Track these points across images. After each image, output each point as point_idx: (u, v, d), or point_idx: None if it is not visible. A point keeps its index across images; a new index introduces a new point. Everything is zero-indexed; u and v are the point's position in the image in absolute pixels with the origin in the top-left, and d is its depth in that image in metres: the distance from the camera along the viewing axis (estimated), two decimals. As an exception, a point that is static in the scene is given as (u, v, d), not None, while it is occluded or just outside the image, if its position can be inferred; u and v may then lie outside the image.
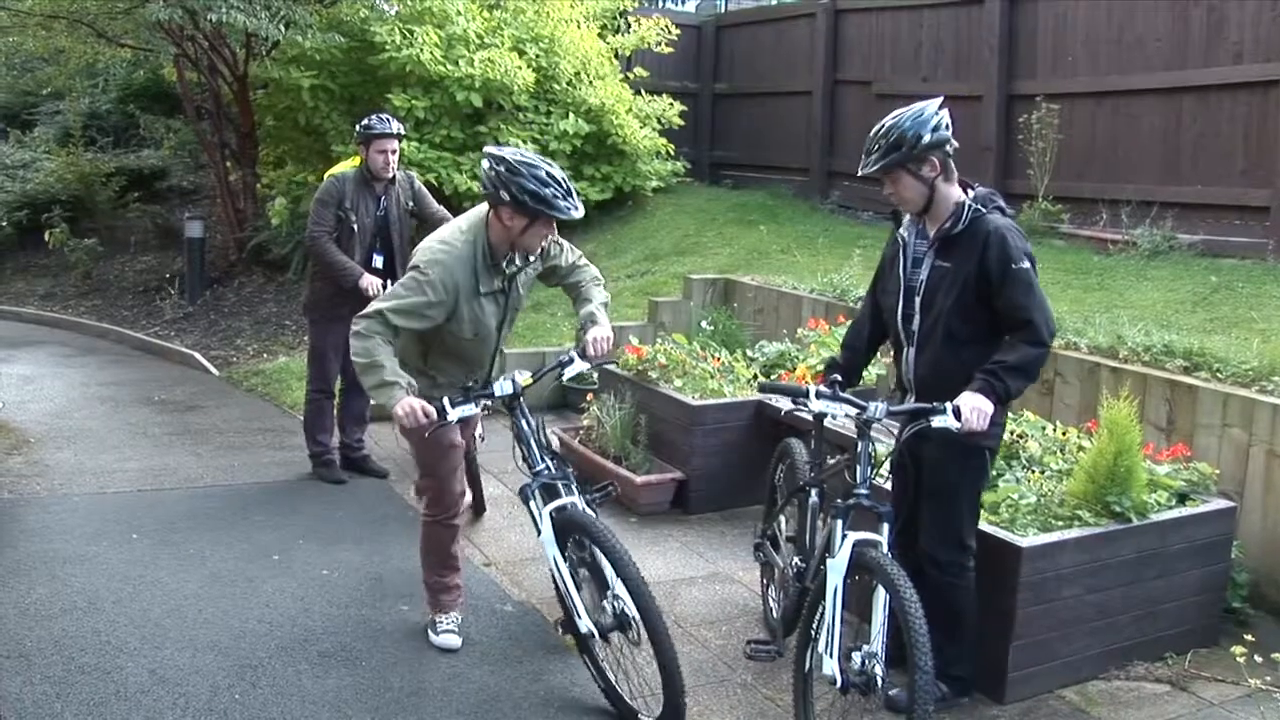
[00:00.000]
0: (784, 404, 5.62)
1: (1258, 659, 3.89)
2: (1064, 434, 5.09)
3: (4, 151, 15.88)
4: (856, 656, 3.46)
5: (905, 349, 3.94)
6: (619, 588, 3.88)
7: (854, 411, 3.72)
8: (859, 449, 3.74)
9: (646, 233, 11.11)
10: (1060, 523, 4.26)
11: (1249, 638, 4.32)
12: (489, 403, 4.15)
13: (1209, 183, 8.18)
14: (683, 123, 12.28)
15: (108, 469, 6.63)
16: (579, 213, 3.98)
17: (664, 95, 12.17)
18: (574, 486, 4.16)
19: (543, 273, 4.46)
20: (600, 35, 11.82)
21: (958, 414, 3.54)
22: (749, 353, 7.09)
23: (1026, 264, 3.67)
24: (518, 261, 4.22)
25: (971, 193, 3.81)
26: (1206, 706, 4.15)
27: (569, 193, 3.99)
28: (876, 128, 3.77)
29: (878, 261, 4.16)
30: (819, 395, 3.75)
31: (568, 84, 11.11)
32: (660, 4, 16.49)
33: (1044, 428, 5.15)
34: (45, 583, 4.88)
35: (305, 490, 6.38)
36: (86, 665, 4.13)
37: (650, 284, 9.65)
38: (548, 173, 3.95)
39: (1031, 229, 8.95)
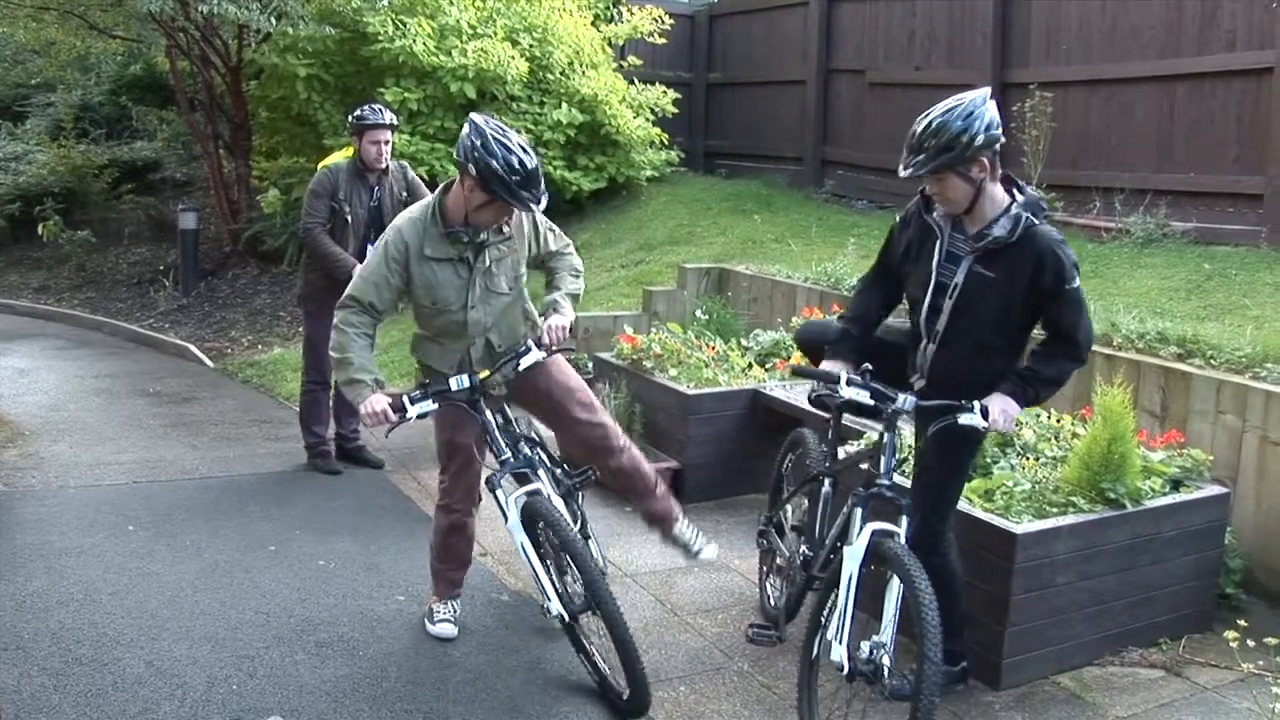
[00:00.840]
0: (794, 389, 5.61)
1: (1250, 644, 3.90)
2: (1058, 421, 5.10)
3: (-4, 144, 15.86)
4: (865, 646, 3.45)
5: (924, 343, 3.81)
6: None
7: (883, 401, 3.68)
8: (884, 439, 3.70)
9: (641, 222, 11.10)
10: (1055, 509, 4.27)
11: (1242, 623, 4.32)
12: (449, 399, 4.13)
13: (1202, 170, 8.18)
14: (676, 111, 12.26)
15: (103, 461, 6.63)
16: (538, 206, 4.01)
17: (657, 85, 12.15)
18: (543, 472, 4.29)
19: (531, 258, 4.41)
20: (593, 24, 11.81)
21: (985, 414, 3.55)
22: (743, 342, 7.10)
23: (1078, 282, 3.62)
24: (483, 235, 4.12)
25: (1021, 196, 3.66)
26: (1200, 691, 4.17)
27: (531, 184, 3.91)
28: (922, 124, 3.51)
29: (887, 235, 3.98)
30: (850, 383, 3.66)
31: (561, 73, 11.09)
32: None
33: (1038, 415, 5.16)
34: (42, 575, 4.88)
35: (301, 481, 6.38)
36: (84, 657, 4.14)
37: (644, 273, 9.65)
38: (520, 161, 3.87)
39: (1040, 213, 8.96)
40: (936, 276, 3.70)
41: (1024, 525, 4.11)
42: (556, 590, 4.05)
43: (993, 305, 3.65)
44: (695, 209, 11.16)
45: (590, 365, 7.45)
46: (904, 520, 3.61)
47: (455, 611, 4.52)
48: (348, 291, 4.17)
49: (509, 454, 4.19)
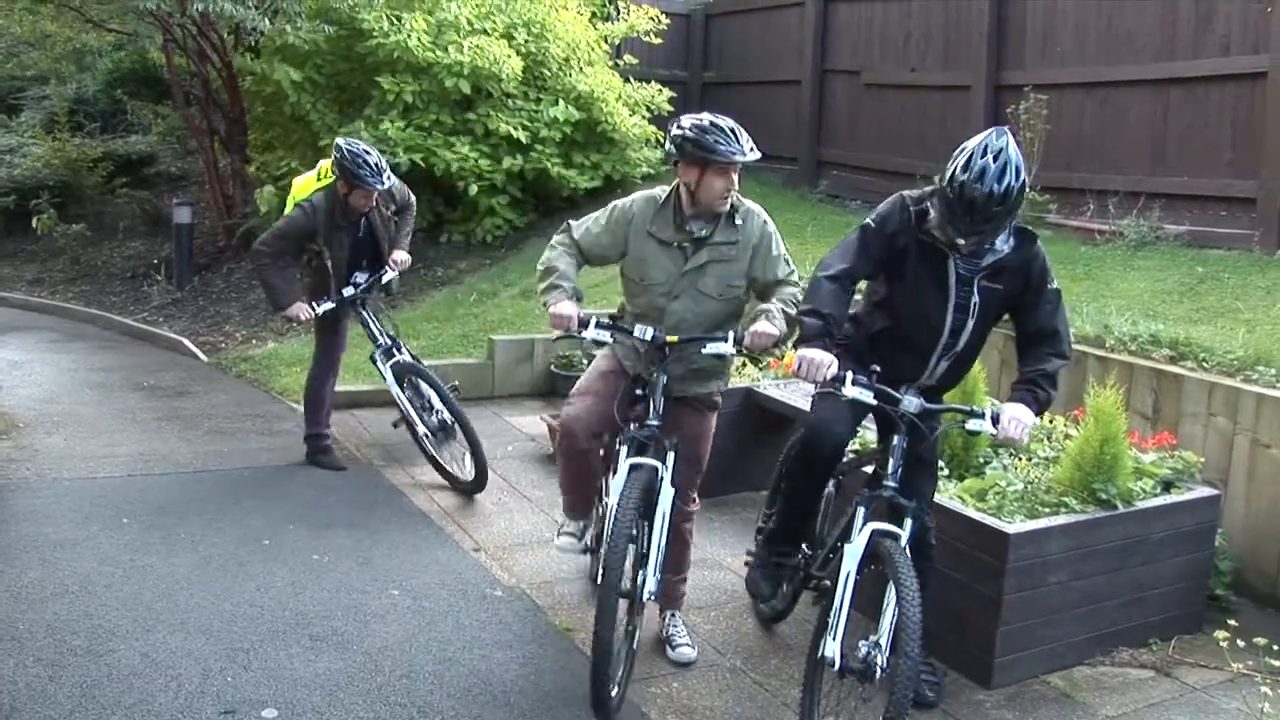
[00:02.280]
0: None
1: (1240, 644, 3.93)
2: (1051, 422, 5.13)
3: (-10, 136, 15.82)
4: (862, 645, 3.48)
5: (934, 358, 3.81)
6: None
7: (888, 403, 3.68)
8: (892, 442, 3.71)
9: (636, 221, 11.09)
10: (1047, 509, 4.30)
11: (1232, 623, 4.36)
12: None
13: (1196, 174, 8.22)
14: (672, 110, 12.27)
15: (97, 454, 6.63)
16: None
17: (653, 83, 12.16)
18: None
19: (753, 280, 4.20)
20: (590, 22, 11.81)
21: (996, 421, 3.56)
22: (738, 341, 7.11)
23: (1056, 282, 3.76)
24: (704, 229, 4.09)
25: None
26: (1190, 691, 4.20)
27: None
28: (981, 190, 3.37)
29: (864, 236, 3.79)
30: (854, 383, 3.61)
31: (558, 70, 11.09)
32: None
33: (1031, 416, 5.18)
34: (36, 567, 4.89)
35: (295, 475, 6.39)
36: (79, 648, 4.15)
37: (639, 272, 9.65)
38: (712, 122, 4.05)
39: (1020, 219, 9.00)
40: (955, 298, 3.69)
41: (1016, 525, 4.14)
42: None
43: (997, 315, 3.80)
44: (690, 208, 11.16)
45: (584, 363, 7.46)
46: (908, 523, 3.63)
47: (579, 530, 4.41)
48: (570, 222, 4.29)
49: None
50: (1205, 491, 4.65)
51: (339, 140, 6.04)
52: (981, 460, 4.78)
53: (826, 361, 3.55)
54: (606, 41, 11.87)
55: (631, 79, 12.04)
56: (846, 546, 3.62)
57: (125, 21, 12.09)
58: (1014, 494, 4.40)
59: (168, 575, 4.87)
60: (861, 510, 3.70)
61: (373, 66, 10.48)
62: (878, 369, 3.70)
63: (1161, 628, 4.53)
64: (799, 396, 6.01)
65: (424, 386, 6.22)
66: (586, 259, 4.25)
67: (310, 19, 10.34)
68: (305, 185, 6.27)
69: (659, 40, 12.45)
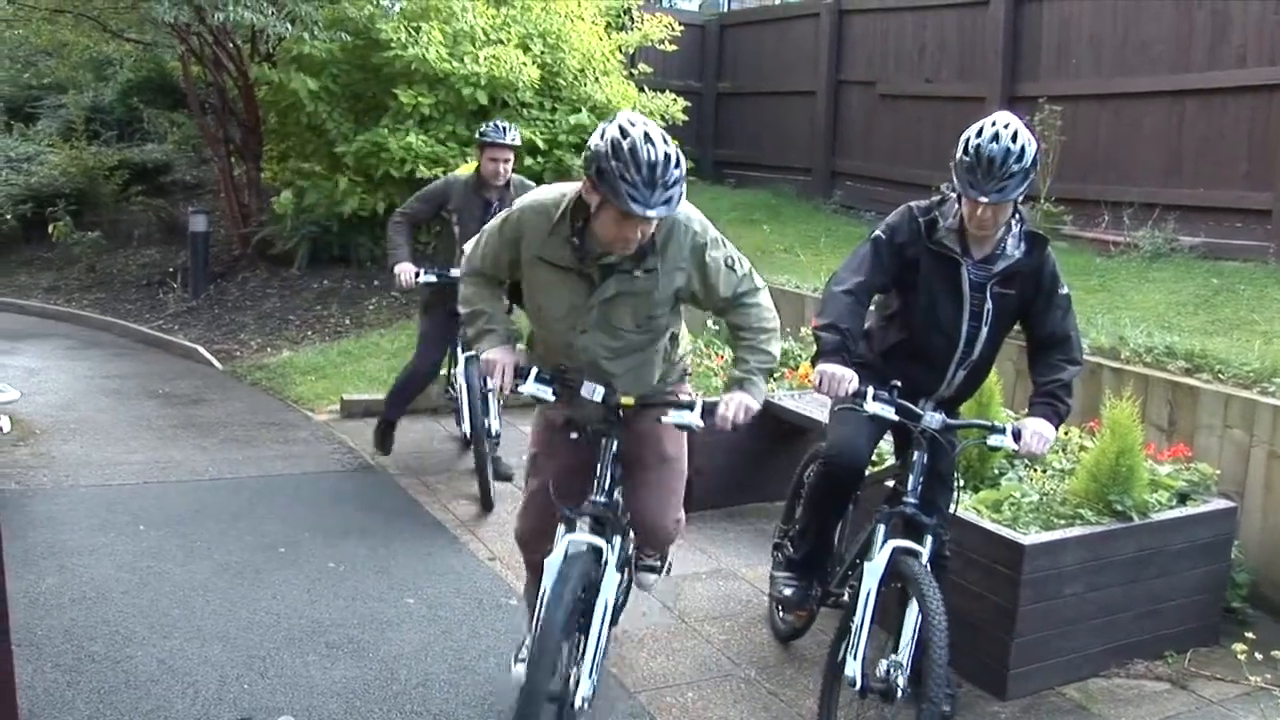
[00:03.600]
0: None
1: (1258, 656, 3.93)
2: (1066, 433, 5.12)
3: (7, 144, 15.88)
4: (883, 664, 3.47)
5: (951, 369, 3.79)
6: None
7: (910, 419, 3.65)
8: (913, 458, 3.68)
9: (649, 231, 11.11)
10: (1062, 521, 4.30)
11: (1249, 636, 4.37)
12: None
13: (1211, 185, 8.21)
14: (686, 119, 12.30)
15: (114, 461, 6.66)
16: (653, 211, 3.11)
17: (667, 93, 12.18)
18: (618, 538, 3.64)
19: (701, 302, 3.61)
20: (605, 32, 11.84)
21: (1017, 436, 3.54)
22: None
23: (1067, 287, 3.77)
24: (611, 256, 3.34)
25: (1018, 214, 3.69)
26: (1206, 704, 4.19)
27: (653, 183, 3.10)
28: (998, 147, 3.44)
29: (875, 248, 3.75)
30: (876, 398, 3.57)
31: (573, 80, 11.13)
32: (667, 2, 16.51)
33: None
34: (54, 573, 4.91)
35: (310, 484, 6.41)
36: (96, 654, 4.17)
37: (653, 282, 9.67)
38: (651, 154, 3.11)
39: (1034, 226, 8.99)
40: (970, 305, 3.69)
41: (1032, 536, 4.14)
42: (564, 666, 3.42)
43: (1010, 322, 3.80)
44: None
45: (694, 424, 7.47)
46: (928, 540, 3.62)
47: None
48: (465, 250, 3.74)
49: (604, 496, 3.55)
50: (1221, 504, 4.64)
51: None
52: (997, 471, 4.78)
53: (848, 376, 3.51)
54: (621, 51, 11.90)
55: (646, 89, 12.07)
56: (867, 564, 3.60)
57: (143, 31, 12.17)
58: (1029, 505, 4.40)
59: (184, 582, 4.90)
60: (881, 528, 3.67)
61: (389, 77, 10.52)
62: (898, 384, 3.65)
63: (1177, 640, 4.51)
64: (815, 407, 6.01)
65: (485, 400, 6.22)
66: (507, 280, 3.67)
67: (327, 28, 10.39)
68: (464, 168, 6.76)
69: (673, 47, 12.46)
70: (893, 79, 11.42)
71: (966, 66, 10.50)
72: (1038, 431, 3.53)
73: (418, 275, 6.18)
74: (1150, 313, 6.69)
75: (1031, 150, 3.45)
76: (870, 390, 3.56)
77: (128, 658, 4.16)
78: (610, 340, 3.49)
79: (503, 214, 3.60)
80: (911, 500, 3.65)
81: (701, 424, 3.49)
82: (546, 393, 3.46)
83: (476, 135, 6.37)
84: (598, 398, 3.47)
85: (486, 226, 3.67)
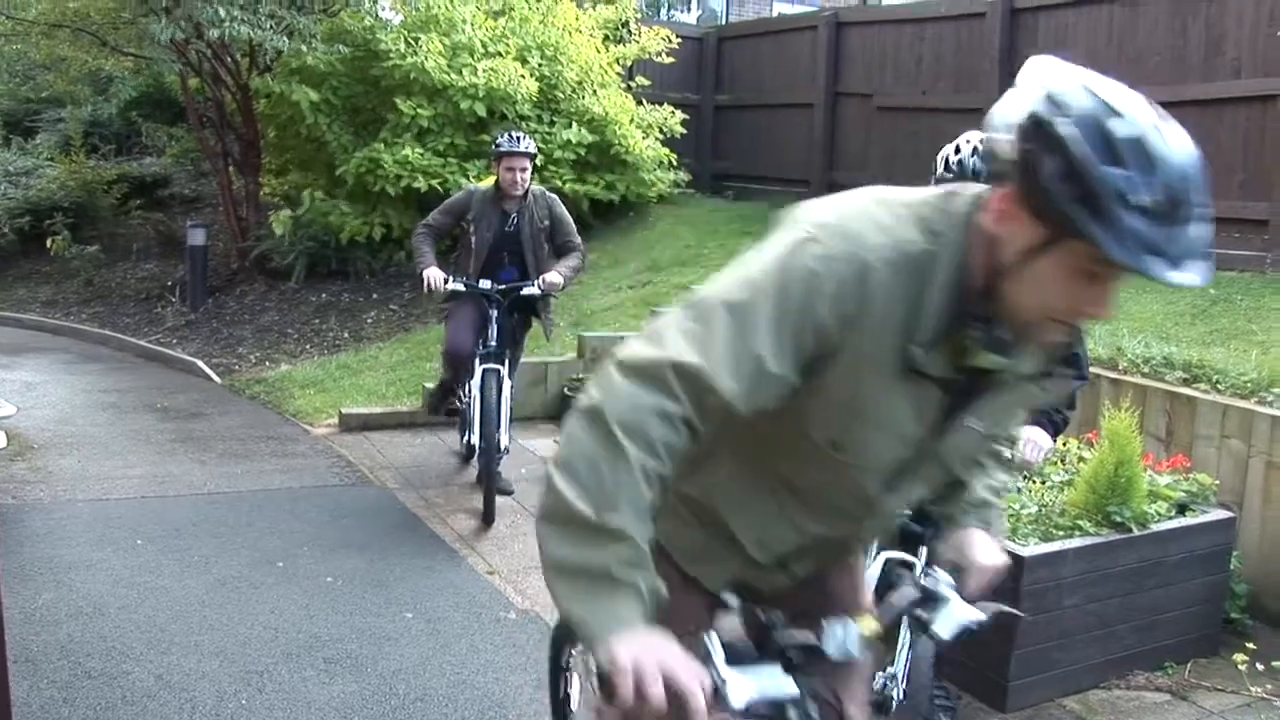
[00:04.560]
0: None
1: (1258, 667, 3.92)
2: (1064, 444, 5.11)
3: (6, 158, 15.91)
4: (879, 677, 3.38)
5: None
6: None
7: None
8: None
9: (648, 243, 11.14)
10: (1061, 532, 4.29)
11: (1249, 646, 4.37)
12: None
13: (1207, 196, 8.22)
14: (684, 132, 12.32)
15: (111, 475, 6.65)
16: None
17: (665, 105, 12.22)
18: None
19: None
20: (603, 44, 11.88)
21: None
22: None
23: None
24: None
25: None
26: (1207, 715, 4.18)
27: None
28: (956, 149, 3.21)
29: None
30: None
31: (571, 93, 11.15)
32: (664, 15, 16.56)
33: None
34: (51, 588, 4.90)
35: (308, 498, 6.40)
36: (93, 670, 4.16)
37: (652, 294, 9.69)
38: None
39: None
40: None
41: (1030, 548, 4.13)
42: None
43: None
44: (702, 231, 11.21)
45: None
46: (923, 551, 3.28)
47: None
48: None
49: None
50: (1220, 514, 4.64)
51: None
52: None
53: None
54: (619, 63, 11.93)
55: (644, 101, 12.10)
56: None
57: (142, 46, 12.20)
58: (1028, 517, 4.39)
59: (182, 597, 4.88)
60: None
61: (388, 89, 10.56)
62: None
63: (1177, 651, 4.50)
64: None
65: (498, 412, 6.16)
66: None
67: (326, 41, 10.42)
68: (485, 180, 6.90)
69: (671, 60, 12.50)
70: (890, 91, 11.44)
71: (963, 79, 10.52)
72: (1031, 439, 3.36)
73: (447, 281, 6.19)
74: (1148, 323, 6.69)
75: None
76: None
77: (124, 673, 4.14)
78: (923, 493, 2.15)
79: (775, 266, 1.77)
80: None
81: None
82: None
83: (491, 146, 6.39)
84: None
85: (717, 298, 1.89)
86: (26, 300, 13.44)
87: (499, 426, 6.11)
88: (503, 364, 6.24)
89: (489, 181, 6.55)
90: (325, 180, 11.31)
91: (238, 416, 8.36)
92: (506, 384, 6.25)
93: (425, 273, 6.21)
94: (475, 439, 6.25)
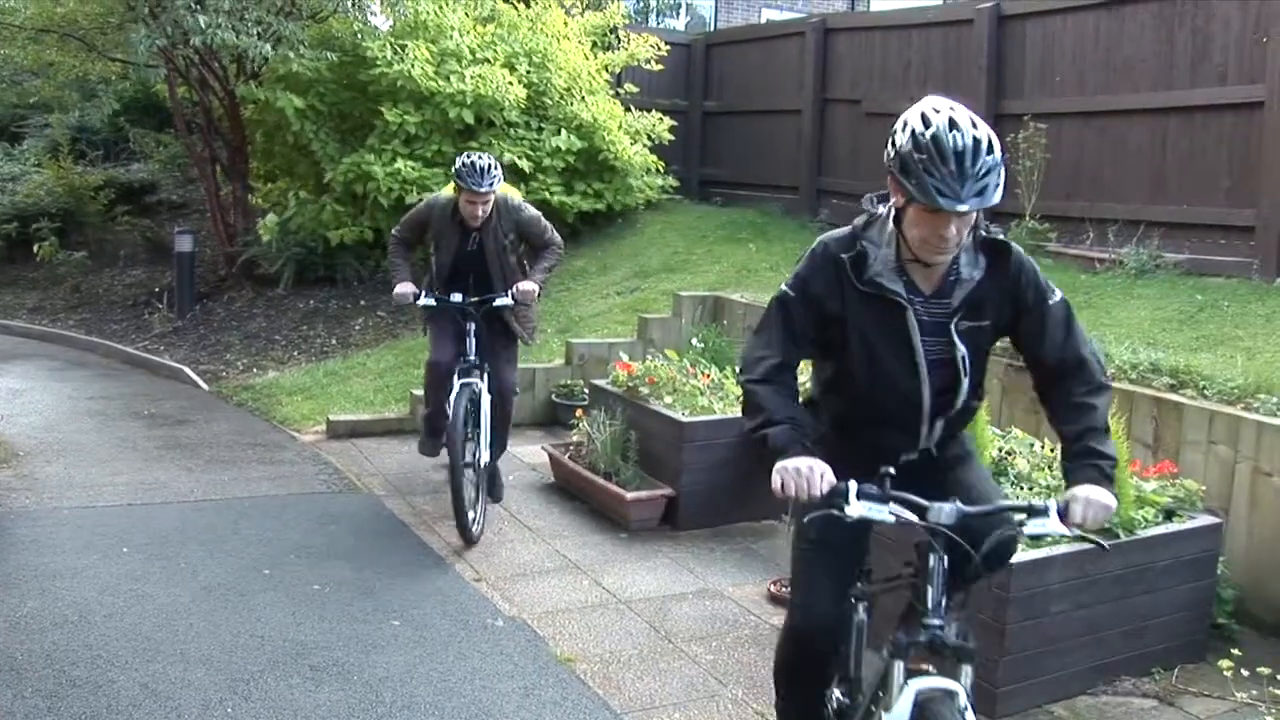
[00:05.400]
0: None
1: (1244, 673, 3.92)
2: (1052, 451, 5.12)
3: (-7, 164, 15.88)
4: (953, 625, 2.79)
5: (924, 427, 2.98)
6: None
7: (913, 516, 2.71)
8: (929, 565, 2.72)
9: (636, 249, 11.14)
10: (1049, 539, 4.29)
11: (1235, 652, 4.37)
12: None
13: (1195, 202, 8.25)
14: (672, 137, 12.33)
15: (97, 482, 6.62)
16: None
17: (653, 112, 12.22)
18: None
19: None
20: (591, 51, 11.89)
21: (1064, 513, 2.65)
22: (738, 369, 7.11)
23: (1060, 292, 2.95)
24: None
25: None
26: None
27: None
28: (970, 139, 2.62)
29: (785, 307, 2.97)
30: (861, 495, 2.68)
31: (559, 99, 11.15)
32: (653, 22, 16.57)
33: (1032, 445, 5.18)
34: (36, 596, 4.88)
35: (296, 506, 6.38)
36: (78, 678, 4.13)
37: (640, 301, 9.69)
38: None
39: (1020, 247, 9.01)
40: (926, 355, 2.87)
41: (1019, 555, 4.12)
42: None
43: (987, 354, 3.02)
44: (690, 237, 11.21)
45: (585, 392, 7.46)
46: (965, 672, 2.71)
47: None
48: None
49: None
50: (1207, 520, 4.64)
51: None
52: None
53: (818, 469, 2.71)
54: (608, 70, 11.94)
55: (632, 108, 12.11)
56: (884, 717, 2.72)
57: (129, 52, 12.18)
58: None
59: (168, 605, 4.86)
60: (898, 665, 2.72)
61: (375, 95, 10.54)
62: (891, 471, 2.76)
63: (1164, 657, 4.51)
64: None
65: (478, 426, 5.93)
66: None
67: (313, 47, 10.41)
68: (447, 189, 6.43)
69: (659, 67, 12.51)
70: (878, 97, 11.45)
71: (951, 84, 10.52)
72: (1091, 500, 2.66)
73: (417, 297, 6.06)
74: (1135, 329, 6.70)
75: (1000, 148, 2.70)
76: (852, 485, 2.68)
77: (110, 682, 4.12)
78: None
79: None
80: (934, 622, 2.69)
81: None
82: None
83: (454, 174, 5.93)
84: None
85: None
86: (13, 306, 13.40)
87: (478, 441, 5.90)
88: (480, 377, 6.02)
89: (451, 190, 6.17)
90: (313, 187, 11.30)
91: (225, 423, 8.34)
92: (485, 398, 5.99)
93: (396, 289, 6.12)
94: (484, 458, 6.01)
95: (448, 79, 10.26)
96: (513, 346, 6.43)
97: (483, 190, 5.81)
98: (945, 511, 2.68)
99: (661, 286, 9.88)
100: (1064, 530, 2.68)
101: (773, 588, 5.20)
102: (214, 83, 11.92)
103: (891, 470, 2.77)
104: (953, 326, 2.88)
